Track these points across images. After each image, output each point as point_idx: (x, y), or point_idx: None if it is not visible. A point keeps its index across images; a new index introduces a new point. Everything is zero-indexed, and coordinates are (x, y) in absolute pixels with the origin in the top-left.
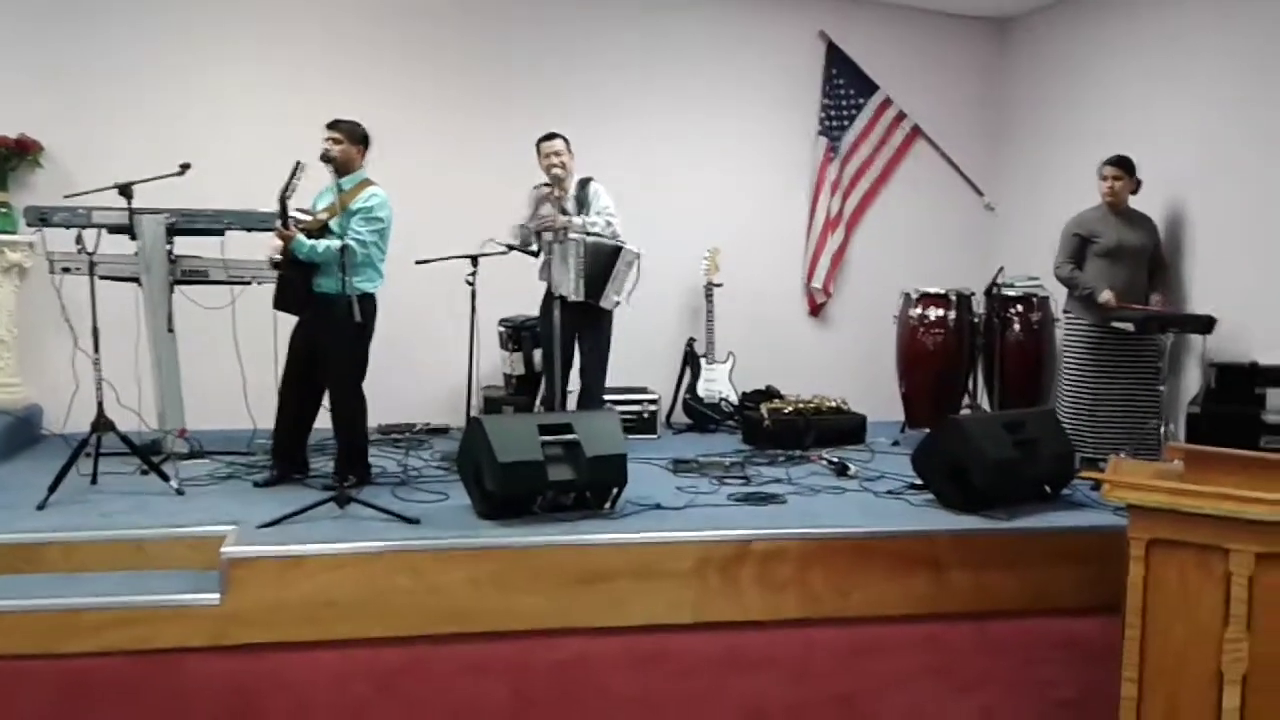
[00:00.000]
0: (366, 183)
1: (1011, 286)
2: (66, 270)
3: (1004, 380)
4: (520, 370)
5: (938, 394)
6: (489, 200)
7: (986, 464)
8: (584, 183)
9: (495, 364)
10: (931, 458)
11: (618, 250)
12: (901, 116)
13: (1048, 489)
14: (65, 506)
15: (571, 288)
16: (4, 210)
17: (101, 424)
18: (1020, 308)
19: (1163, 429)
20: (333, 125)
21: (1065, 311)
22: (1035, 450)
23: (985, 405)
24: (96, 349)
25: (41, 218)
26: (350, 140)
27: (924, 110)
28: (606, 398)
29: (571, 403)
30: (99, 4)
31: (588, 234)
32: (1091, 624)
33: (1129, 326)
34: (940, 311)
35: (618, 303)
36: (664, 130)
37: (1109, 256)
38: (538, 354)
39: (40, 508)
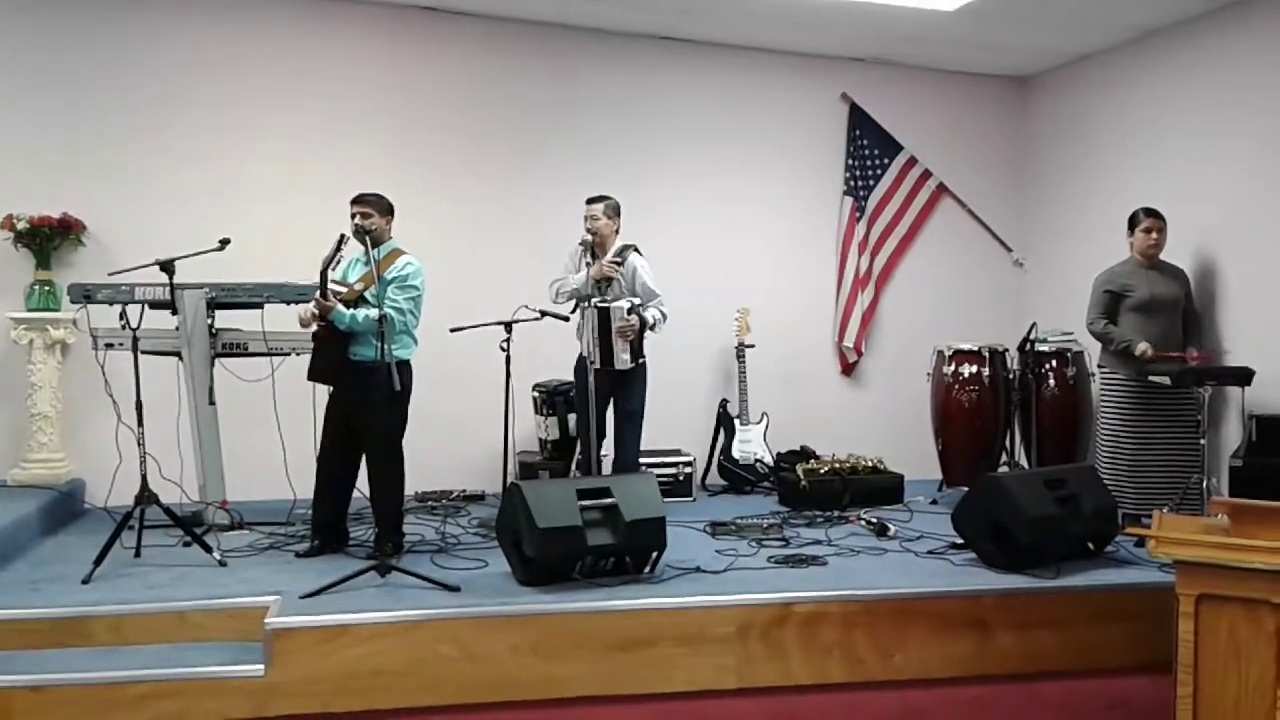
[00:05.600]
0: (398, 252)
1: (1045, 342)
2: (110, 346)
3: (1041, 436)
4: (555, 435)
5: (975, 451)
6: (521, 267)
7: (1028, 521)
8: (623, 250)
9: (530, 429)
10: (972, 516)
11: (608, 311)
12: (927, 175)
13: (1091, 546)
14: (110, 579)
15: (589, 354)
16: (47, 288)
17: (145, 497)
18: (1055, 363)
19: (1205, 483)
20: (359, 200)
21: (1100, 366)
22: (1077, 506)
23: (1023, 462)
24: (140, 423)
25: (86, 295)
26: (379, 212)
27: (949, 168)
28: (642, 460)
29: (606, 467)
30: (137, 85)
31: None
32: (1141, 683)
33: (1166, 380)
34: (974, 368)
35: (626, 360)
36: (692, 193)
37: (1142, 310)
38: (572, 418)
39: (85, 581)
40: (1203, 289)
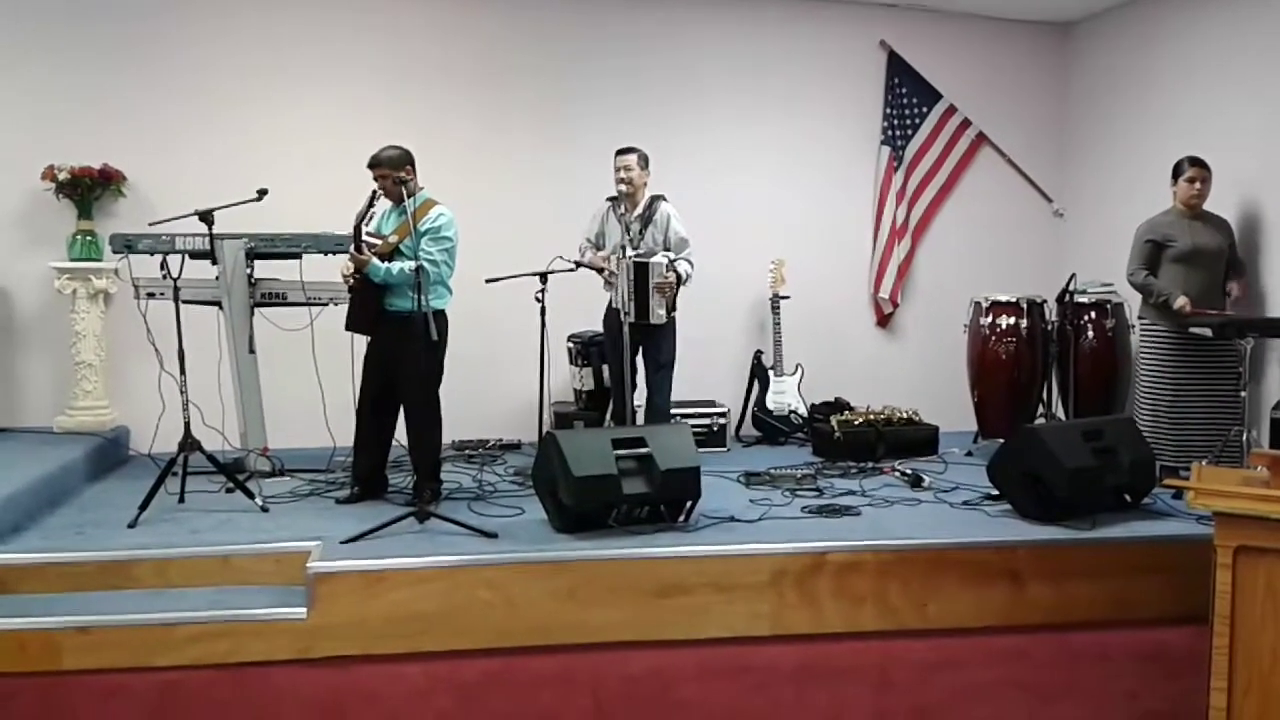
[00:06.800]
0: (431, 202)
1: (1084, 293)
2: (151, 295)
3: (1079, 388)
4: (590, 385)
5: (1011, 403)
6: (556, 217)
7: (1064, 473)
8: (653, 201)
9: (565, 380)
10: (1007, 467)
11: (646, 266)
12: (966, 124)
13: (1128, 498)
14: (155, 524)
15: (624, 307)
16: (90, 238)
17: (188, 444)
18: (1094, 314)
19: (1245, 435)
20: (373, 165)
21: (1140, 318)
22: (1114, 458)
23: (1060, 414)
24: (182, 371)
25: (127, 245)
26: (395, 167)
27: (988, 117)
28: (676, 411)
29: (640, 417)
30: (174, 39)
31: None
32: (1176, 634)
33: (1207, 332)
34: (1012, 320)
35: (661, 315)
36: (727, 143)
37: (1184, 261)
38: (607, 369)
39: (131, 525)
40: (1247, 239)
